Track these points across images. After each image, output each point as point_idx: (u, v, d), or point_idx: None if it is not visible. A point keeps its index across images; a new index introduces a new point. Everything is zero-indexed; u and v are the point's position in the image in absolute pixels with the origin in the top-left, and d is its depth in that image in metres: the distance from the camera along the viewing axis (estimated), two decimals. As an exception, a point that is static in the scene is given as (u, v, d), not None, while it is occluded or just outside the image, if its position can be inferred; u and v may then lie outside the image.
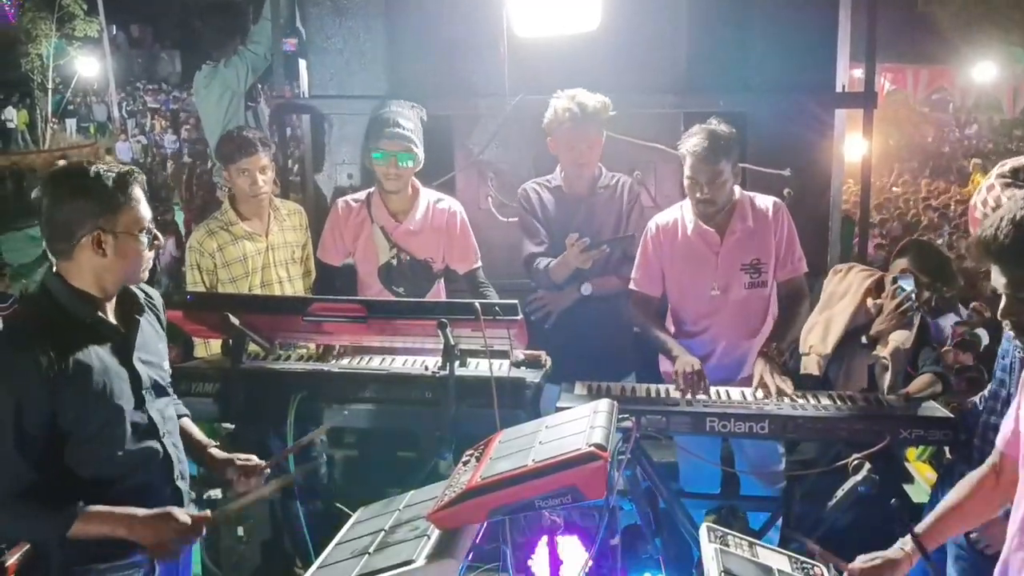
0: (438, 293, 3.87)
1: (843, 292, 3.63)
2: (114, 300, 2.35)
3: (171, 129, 26.24)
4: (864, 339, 3.54)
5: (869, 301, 3.58)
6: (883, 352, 3.47)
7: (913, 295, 3.41)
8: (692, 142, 3.40)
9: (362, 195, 3.86)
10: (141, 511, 2.25)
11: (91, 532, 2.20)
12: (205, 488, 2.86)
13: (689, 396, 3.18)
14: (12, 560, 2.73)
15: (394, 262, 3.73)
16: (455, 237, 3.81)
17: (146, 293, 2.50)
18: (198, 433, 2.70)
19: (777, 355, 3.33)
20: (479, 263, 3.88)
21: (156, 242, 2.33)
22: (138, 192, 2.28)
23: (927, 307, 3.70)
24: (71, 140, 27.36)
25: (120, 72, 30.68)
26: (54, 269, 2.29)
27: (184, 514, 2.29)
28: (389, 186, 3.71)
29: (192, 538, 2.32)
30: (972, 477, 2.37)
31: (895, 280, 3.46)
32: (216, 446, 2.70)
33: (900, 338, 3.46)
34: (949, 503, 2.37)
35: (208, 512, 2.39)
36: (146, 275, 2.38)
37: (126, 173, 2.27)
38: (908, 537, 2.34)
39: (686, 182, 3.47)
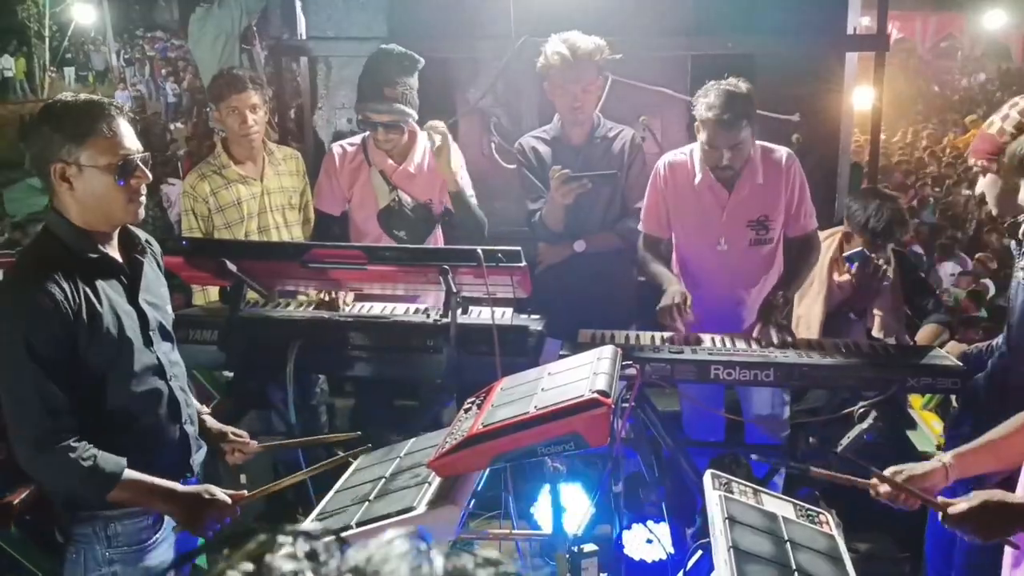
0: (436, 239, 3.80)
1: (810, 277, 3.60)
2: (116, 242, 2.29)
3: (172, 78, 25.93)
4: (852, 315, 3.53)
5: (836, 277, 3.57)
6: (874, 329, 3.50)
7: (872, 261, 3.42)
8: (708, 104, 3.22)
9: (357, 139, 3.76)
10: (180, 487, 2.23)
11: (128, 500, 2.18)
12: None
13: (679, 327, 3.16)
14: (18, 499, 2.72)
15: (394, 205, 3.65)
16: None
17: (145, 238, 2.42)
18: (191, 400, 2.64)
19: (783, 303, 3.28)
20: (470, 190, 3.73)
21: (135, 180, 2.18)
22: (114, 124, 2.14)
23: (899, 257, 3.69)
24: (69, 89, 27.09)
25: (117, 19, 30.24)
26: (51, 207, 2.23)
27: (222, 492, 2.26)
28: (380, 146, 3.62)
29: (226, 516, 2.28)
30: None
31: (848, 261, 3.47)
32: (209, 413, 2.65)
33: (879, 311, 3.46)
34: (993, 435, 2.27)
35: (244, 492, 2.35)
36: (136, 213, 2.24)
37: (97, 103, 2.15)
38: (949, 452, 2.27)
39: (704, 147, 3.33)
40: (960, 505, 2.08)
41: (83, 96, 2.19)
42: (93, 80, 28.60)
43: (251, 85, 3.68)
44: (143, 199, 2.24)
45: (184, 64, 25.04)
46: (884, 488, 2.25)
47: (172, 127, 19.19)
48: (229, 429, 2.60)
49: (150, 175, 2.24)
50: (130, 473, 2.17)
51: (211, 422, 2.60)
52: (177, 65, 26.48)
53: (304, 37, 4.68)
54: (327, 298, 3.33)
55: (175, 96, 24.14)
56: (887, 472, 2.24)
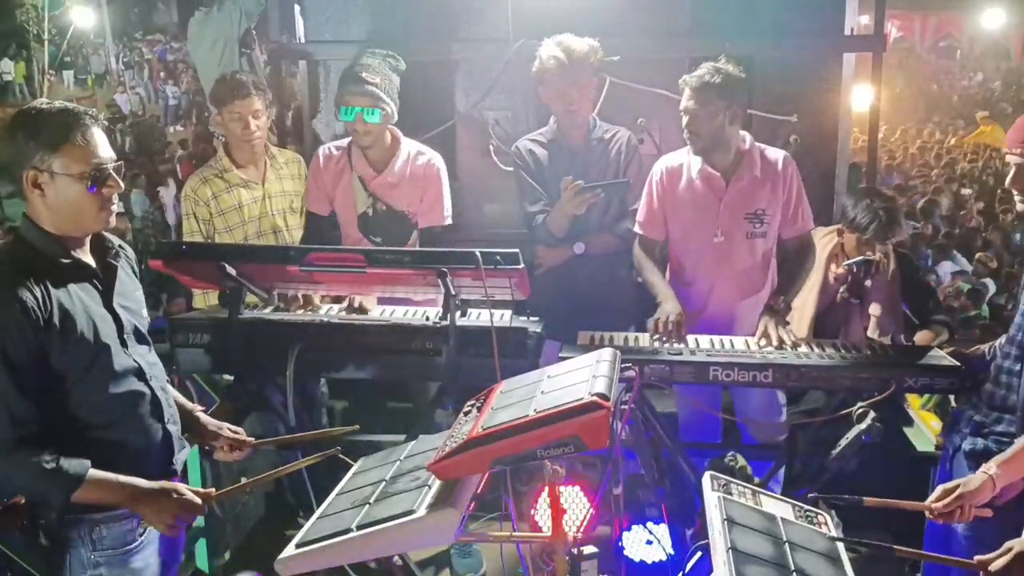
0: (414, 245, 3.75)
1: None
2: (88, 247, 2.30)
3: (171, 80, 25.94)
4: (852, 299, 3.55)
5: (833, 268, 3.59)
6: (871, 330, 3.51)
7: (864, 264, 3.48)
8: (692, 73, 3.35)
9: (344, 143, 3.76)
10: (145, 483, 2.23)
11: (93, 499, 2.19)
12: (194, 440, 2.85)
13: (666, 344, 3.17)
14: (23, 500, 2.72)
15: (370, 212, 3.65)
16: (428, 191, 3.68)
17: (118, 243, 2.44)
18: (182, 399, 2.65)
19: (784, 309, 3.30)
20: (446, 222, 3.74)
21: (107, 189, 2.20)
22: (88, 133, 2.17)
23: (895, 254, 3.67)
24: (69, 92, 27.05)
25: (116, 22, 30.26)
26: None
27: (188, 490, 2.27)
28: (360, 141, 3.61)
29: (194, 515, 2.30)
30: None
31: (850, 268, 3.50)
32: (203, 411, 2.65)
33: (876, 311, 3.47)
34: None
35: (212, 490, 2.37)
36: (107, 221, 2.26)
37: (71, 112, 2.17)
38: (992, 462, 2.32)
39: (680, 116, 3.42)
40: (998, 561, 2.14)
41: (58, 103, 2.20)
42: (92, 83, 28.60)
43: (254, 91, 3.69)
44: (115, 208, 2.26)
45: (184, 67, 25.04)
46: (939, 505, 2.30)
47: (171, 129, 19.20)
48: (225, 425, 2.60)
49: (122, 184, 2.25)
50: (94, 472, 2.17)
51: (205, 419, 2.60)
52: (176, 68, 26.49)
53: (303, 41, 4.69)
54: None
55: (175, 99, 24.14)
56: (939, 490, 2.34)
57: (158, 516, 2.23)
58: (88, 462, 2.17)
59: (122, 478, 2.21)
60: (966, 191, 12.38)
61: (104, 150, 2.20)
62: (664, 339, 3.21)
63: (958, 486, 2.35)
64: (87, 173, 2.16)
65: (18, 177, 2.16)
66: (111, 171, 2.21)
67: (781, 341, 3.16)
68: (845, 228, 3.59)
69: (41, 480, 2.14)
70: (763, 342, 3.19)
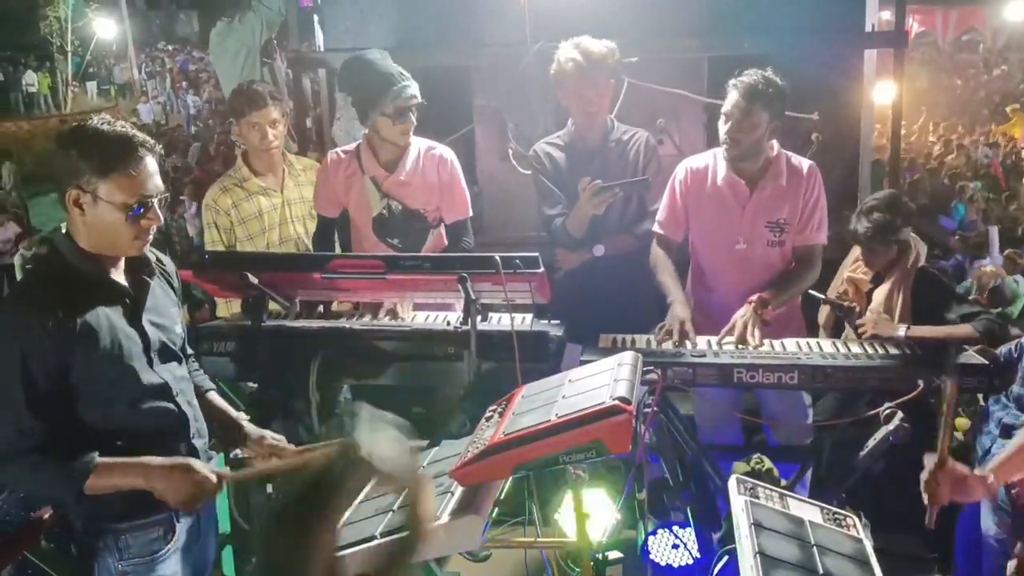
0: (439, 242, 3.73)
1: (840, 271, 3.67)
2: (123, 262, 2.29)
3: (192, 90, 26.18)
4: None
5: (850, 270, 3.57)
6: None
7: (841, 308, 3.52)
8: (740, 78, 3.29)
9: (352, 146, 3.73)
10: (156, 460, 2.21)
11: (107, 485, 2.17)
12: (231, 447, 2.85)
13: (670, 346, 3.15)
14: (47, 515, 2.74)
15: (386, 213, 3.63)
16: (445, 185, 3.65)
17: (157, 258, 2.43)
18: (228, 408, 2.62)
19: (760, 307, 3.25)
20: (468, 214, 3.72)
21: (146, 221, 2.18)
22: (141, 164, 2.14)
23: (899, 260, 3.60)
24: (92, 103, 27.39)
25: (138, 33, 30.61)
26: (63, 229, 2.25)
27: (204, 467, 2.26)
28: (402, 141, 3.55)
29: (212, 492, 2.28)
30: None
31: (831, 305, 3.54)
32: (249, 420, 2.62)
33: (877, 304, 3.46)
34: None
35: (227, 470, 2.36)
36: (141, 249, 2.26)
37: (129, 140, 2.13)
38: (988, 468, 2.30)
39: (720, 118, 3.36)
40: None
41: (119, 126, 2.16)
42: (115, 94, 28.93)
43: (271, 101, 3.71)
44: (151, 237, 2.25)
45: (206, 76, 25.25)
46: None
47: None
48: (268, 433, 2.56)
49: (162, 218, 2.24)
50: (103, 460, 2.16)
51: (250, 428, 2.56)
52: (199, 78, 26.72)
53: (322, 49, 4.72)
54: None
55: (194, 108, 24.36)
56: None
57: (173, 492, 2.20)
58: (95, 453, 2.16)
59: (132, 459, 2.19)
60: (971, 185, 12.22)
61: (152, 183, 2.17)
62: (664, 340, 3.19)
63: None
64: (130, 204, 2.14)
65: (63, 191, 2.15)
66: (154, 204, 2.19)
67: (743, 339, 3.15)
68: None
69: (51, 476, 2.15)
70: (729, 337, 3.18)
